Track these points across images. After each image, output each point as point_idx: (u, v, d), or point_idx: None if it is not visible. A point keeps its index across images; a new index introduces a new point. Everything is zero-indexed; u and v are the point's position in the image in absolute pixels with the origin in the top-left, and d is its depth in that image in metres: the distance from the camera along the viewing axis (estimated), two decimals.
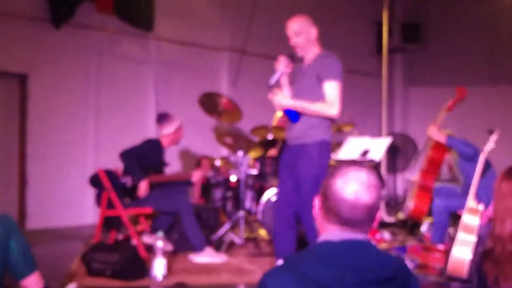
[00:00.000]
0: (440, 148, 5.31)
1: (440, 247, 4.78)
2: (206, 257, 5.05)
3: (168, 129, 5.53)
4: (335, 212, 1.65)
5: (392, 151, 9.75)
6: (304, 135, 3.90)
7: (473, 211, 4.33)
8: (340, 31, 9.88)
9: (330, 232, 1.69)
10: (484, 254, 2.19)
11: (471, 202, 4.41)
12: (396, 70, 10.96)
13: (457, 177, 5.38)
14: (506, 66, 10.10)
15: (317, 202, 1.76)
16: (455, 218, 4.90)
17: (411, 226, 6.16)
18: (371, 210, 1.65)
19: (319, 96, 3.89)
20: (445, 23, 10.50)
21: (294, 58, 4.02)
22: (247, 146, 6.04)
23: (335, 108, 3.87)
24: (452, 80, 10.39)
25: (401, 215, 6.48)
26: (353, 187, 1.63)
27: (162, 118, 5.62)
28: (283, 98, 3.91)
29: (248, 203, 6.01)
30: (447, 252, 4.50)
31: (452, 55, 10.44)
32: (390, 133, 9.59)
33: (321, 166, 3.89)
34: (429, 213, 5.43)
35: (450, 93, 10.11)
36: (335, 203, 1.65)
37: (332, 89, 3.88)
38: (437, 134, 5.24)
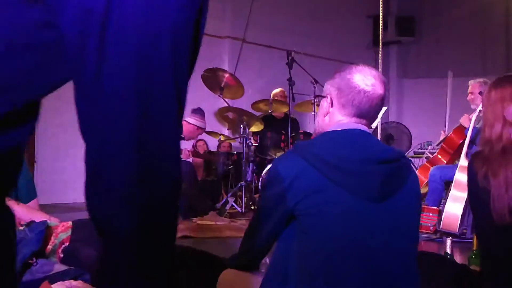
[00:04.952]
0: (460, 132, 5.48)
1: (434, 208, 4.94)
2: (209, 220, 5.23)
3: (196, 121, 6.04)
4: (356, 104, 1.77)
5: (387, 139, 9.97)
6: None
7: (465, 169, 4.54)
8: (337, 24, 10.16)
9: (337, 123, 1.80)
10: (474, 155, 2.32)
11: (463, 160, 4.64)
12: (391, 62, 11.16)
13: None
14: (497, 58, 10.34)
15: (327, 101, 1.84)
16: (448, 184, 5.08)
17: None
18: (382, 101, 1.81)
19: None
20: (439, 16, 10.73)
21: None
22: (248, 120, 6.20)
23: None
24: (445, 72, 10.66)
25: None
26: (370, 80, 1.77)
27: (199, 111, 6.13)
28: None
29: (249, 175, 6.20)
30: (440, 212, 4.72)
31: (445, 47, 10.65)
32: (385, 122, 9.79)
33: None
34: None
35: (442, 85, 10.31)
36: (355, 95, 1.77)
37: None
38: (466, 121, 5.32)
